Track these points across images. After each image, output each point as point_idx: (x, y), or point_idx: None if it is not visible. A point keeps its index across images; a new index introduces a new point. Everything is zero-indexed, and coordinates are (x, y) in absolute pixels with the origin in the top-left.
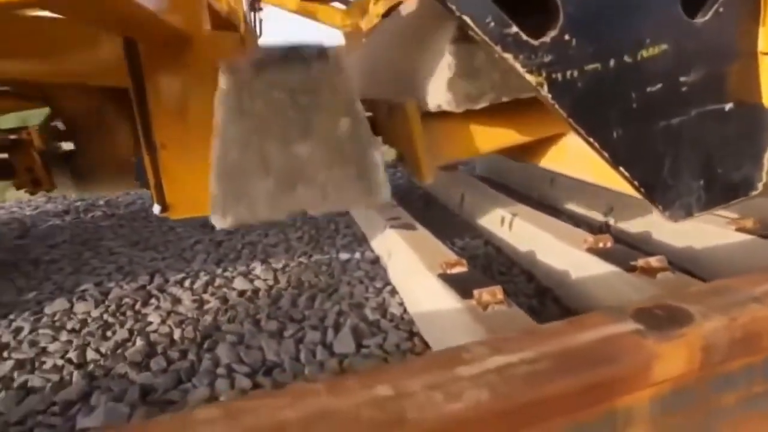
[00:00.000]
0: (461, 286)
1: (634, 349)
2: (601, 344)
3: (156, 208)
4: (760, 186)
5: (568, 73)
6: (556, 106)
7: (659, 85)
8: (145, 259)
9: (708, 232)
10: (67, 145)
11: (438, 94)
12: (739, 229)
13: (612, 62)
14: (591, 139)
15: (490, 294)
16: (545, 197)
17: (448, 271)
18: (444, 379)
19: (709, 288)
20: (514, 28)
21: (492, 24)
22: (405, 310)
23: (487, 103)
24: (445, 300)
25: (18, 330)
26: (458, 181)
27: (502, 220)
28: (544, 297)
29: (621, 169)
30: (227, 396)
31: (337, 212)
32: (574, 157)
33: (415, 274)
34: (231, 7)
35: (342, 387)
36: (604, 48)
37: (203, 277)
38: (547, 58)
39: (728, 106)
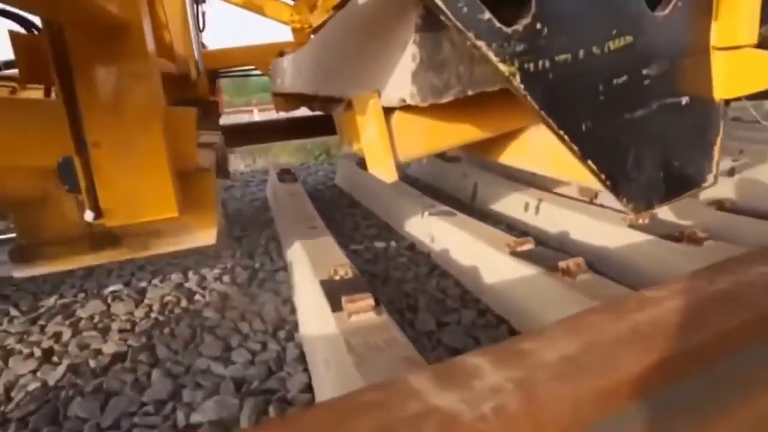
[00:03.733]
0: (540, 261)
1: None
2: None
3: (88, 215)
4: (711, 178)
5: (540, 63)
6: (528, 97)
7: (624, 78)
8: (163, 257)
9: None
10: None
11: (401, 87)
12: (631, 226)
13: (581, 53)
14: (561, 132)
15: (576, 264)
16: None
17: (518, 249)
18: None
19: None
20: (488, 14)
21: (465, 9)
22: (465, 290)
23: (453, 97)
24: (529, 274)
25: (58, 335)
26: (463, 170)
27: (527, 206)
28: None
29: (589, 162)
30: None
31: (349, 207)
32: (533, 152)
33: (481, 254)
34: None
35: (651, 300)
36: (574, 38)
37: (242, 272)
38: (520, 47)
39: (684, 100)
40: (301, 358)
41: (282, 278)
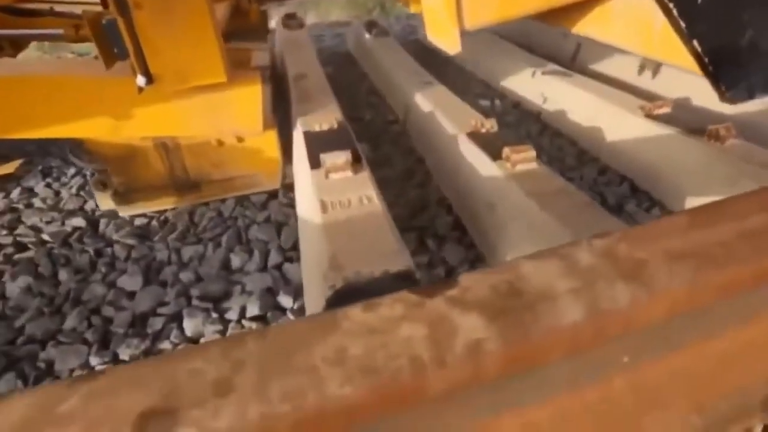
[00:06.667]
0: (681, 124)
1: None
2: None
3: (140, 80)
4: None
5: None
6: None
7: None
8: None
9: None
10: None
11: None
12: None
13: None
14: (671, 5)
15: (726, 129)
16: None
17: (655, 112)
18: None
19: None
20: None
21: None
22: (581, 150)
23: None
24: (667, 136)
25: None
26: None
27: (641, 69)
28: None
29: (694, 42)
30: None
31: (443, 65)
32: (618, 24)
33: (607, 116)
34: None
35: None
36: None
37: (352, 124)
38: None
39: None
40: (441, 201)
41: (396, 129)
